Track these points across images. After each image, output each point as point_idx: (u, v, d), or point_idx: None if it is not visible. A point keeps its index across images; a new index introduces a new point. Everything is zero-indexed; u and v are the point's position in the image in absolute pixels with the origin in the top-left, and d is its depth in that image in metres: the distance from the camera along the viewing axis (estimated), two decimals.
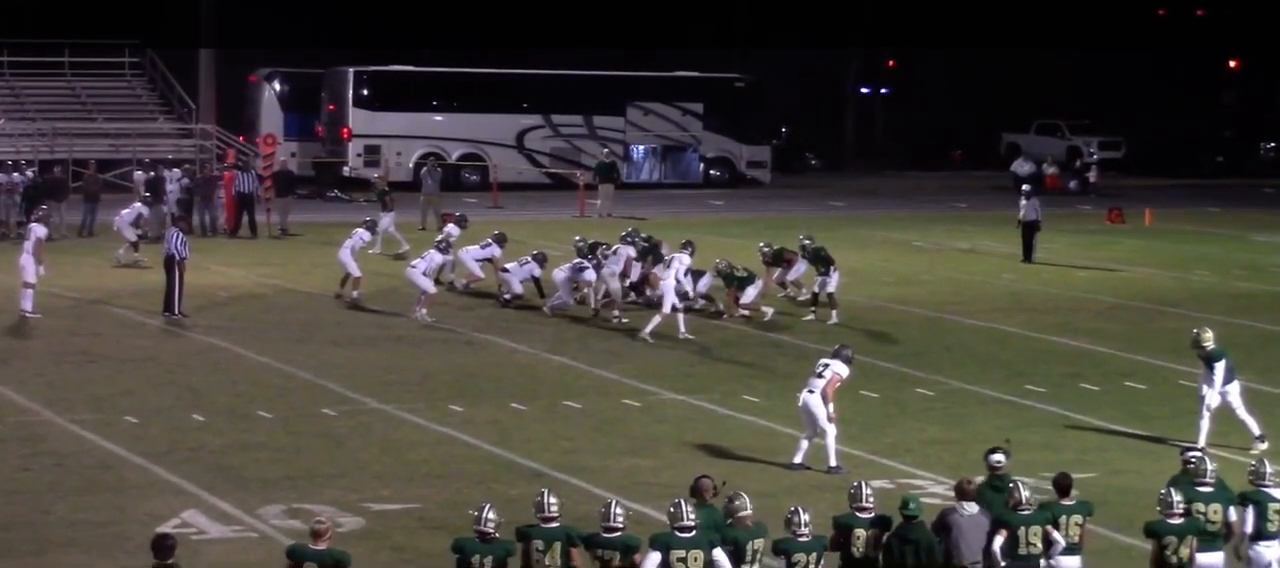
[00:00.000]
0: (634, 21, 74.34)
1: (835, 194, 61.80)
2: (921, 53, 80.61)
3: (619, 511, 14.86)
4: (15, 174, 45.63)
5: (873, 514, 15.50)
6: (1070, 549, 15.72)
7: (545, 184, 60.71)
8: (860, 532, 15.39)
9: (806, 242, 34.16)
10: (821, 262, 33.29)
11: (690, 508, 14.98)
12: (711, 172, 63.85)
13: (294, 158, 58.07)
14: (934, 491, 20.17)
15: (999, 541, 15.51)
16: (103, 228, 43.37)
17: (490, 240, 35.24)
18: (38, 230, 33.25)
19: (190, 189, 45.98)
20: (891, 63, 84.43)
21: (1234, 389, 23.00)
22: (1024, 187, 46.27)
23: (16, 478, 21.12)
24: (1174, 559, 15.40)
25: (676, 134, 63.45)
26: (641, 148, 63.17)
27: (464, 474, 21.50)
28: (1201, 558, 15.79)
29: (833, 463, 21.51)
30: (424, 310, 32.44)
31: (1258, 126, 78.88)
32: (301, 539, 15.34)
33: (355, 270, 34.43)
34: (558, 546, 14.66)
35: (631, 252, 33.71)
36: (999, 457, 16.81)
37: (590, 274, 33.31)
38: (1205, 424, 22.80)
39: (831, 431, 21.66)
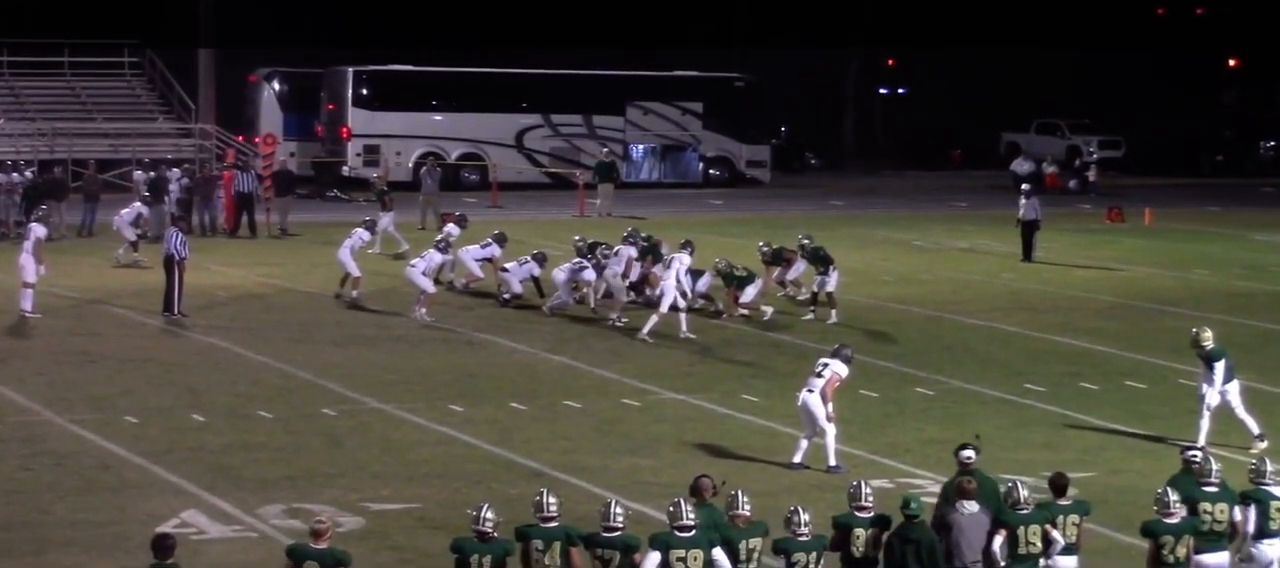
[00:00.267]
0: (633, 21, 74.33)
1: (835, 194, 61.80)
2: (921, 53, 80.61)
3: (618, 510, 14.85)
4: (15, 174, 45.65)
5: (872, 514, 15.50)
6: (1067, 549, 15.72)
7: (545, 184, 60.71)
8: (860, 531, 15.38)
9: (805, 241, 34.17)
10: (820, 261, 33.30)
11: (690, 508, 14.97)
12: (711, 171, 63.86)
13: (293, 158, 58.04)
14: (934, 490, 20.08)
15: (999, 540, 15.51)
16: (102, 228, 43.37)
17: (490, 240, 35.24)
18: (38, 230, 33.25)
19: (190, 189, 45.99)
20: (891, 62, 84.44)
21: (1234, 388, 23.01)
22: (1024, 186, 46.25)
23: (16, 478, 21.12)
24: (1171, 559, 15.40)
25: (676, 134, 63.45)
26: (641, 147, 63.17)
27: (464, 474, 21.50)
28: (1206, 558, 15.78)
29: (832, 462, 21.51)
30: (423, 310, 32.44)
31: (1257, 126, 78.85)
32: (301, 539, 15.34)
33: (355, 270, 34.42)
34: (557, 545, 14.65)
35: (633, 252, 33.73)
36: (969, 453, 16.82)
37: (590, 274, 33.31)
38: (1205, 423, 22.80)
39: (831, 430, 21.66)
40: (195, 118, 59.09)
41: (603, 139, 60.94)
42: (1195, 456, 16.73)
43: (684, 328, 30.71)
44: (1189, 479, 16.27)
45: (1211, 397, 22.85)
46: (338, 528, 18.09)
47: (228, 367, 28.16)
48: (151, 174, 46.87)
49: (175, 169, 47.94)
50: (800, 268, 34.55)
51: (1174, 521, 15.49)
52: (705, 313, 33.03)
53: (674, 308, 30.75)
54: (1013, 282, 39.15)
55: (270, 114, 61.37)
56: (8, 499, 20.13)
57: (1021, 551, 15.51)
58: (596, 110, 62.22)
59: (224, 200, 46.37)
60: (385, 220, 41.66)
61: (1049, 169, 64.14)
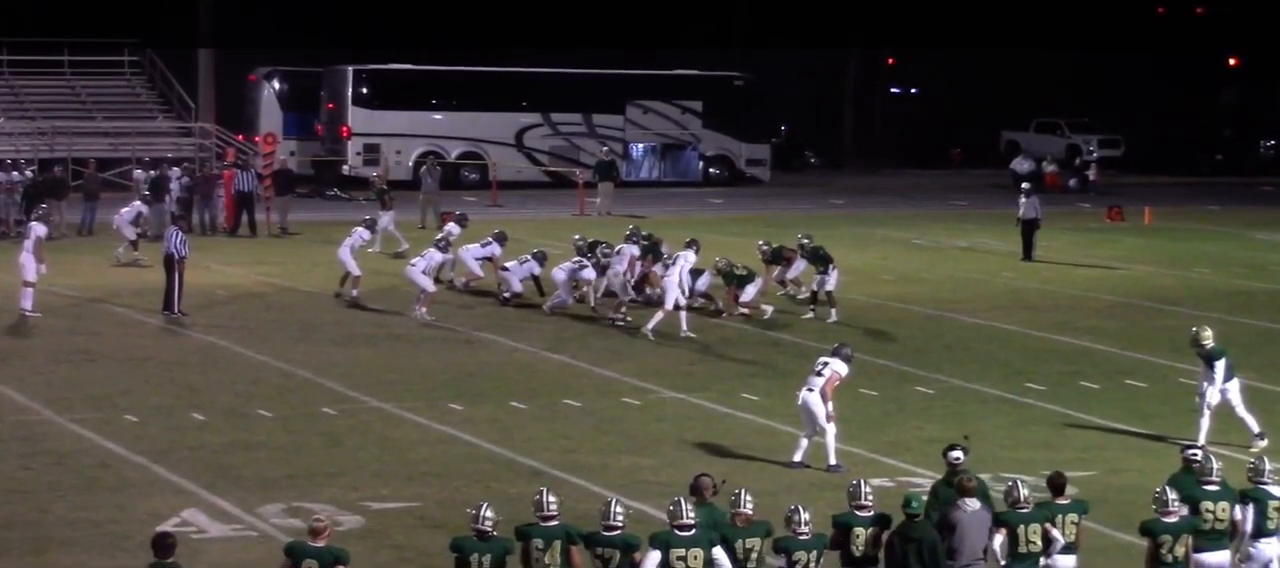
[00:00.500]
0: (633, 21, 74.32)
1: (835, 192, 61.80)
2: (921, 52, 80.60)
3: (619, 509, 14.84)
4: (15, 173, 45.66)
5: (872, 513, 15.50)
6: (1066, 549, 15.71)
7: (545, 183, 60.73)
8: (860, 530, 15.38)
9: (805, 241, 34.17)
10: (819, 260, 33.30)
11: (690, 506, 14.96)
12: (711, 170, 63.88)
13: (293, 157, 58.05)
14: None
15: (999, 539, 15.51)
16: (102, 227, 43.37)
17: (491, 239, 35.24)
18: (38, 229, 33.25)
19: (190, 188, 46.00)
20: (891, 61, 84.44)
21: (1234, 387, 23.00)
22: (1023, 185, 46.26)
23: (16, 477, 21.11)
24: (1169, 558, 15.40)
25: (676, 132, 63.46)
26: (641, 146, 63.19)
27: (463, 473, 21.50)
28: (1207, 557, 15.77)
29: (832, 461, 21.51)
30: (423, 309, 32.44)
31: (1257, 125, 78.87)
32: (301, 538, 15.33)
33: (355, 269, 34.42)
34: (557, 544, 14.64)
35: (635, 250, 33.72)
36: (957, 453, 16.82)
37: (590, 273, 33.31)
38: (1205, 422, 22.80)
39: (831, 429, 21.66)
40: (195, 117, 59.10)
41: (603, 138, 60.93)
42: (1196, 454, 16.73)
43: (684, 327, 30.71)
44: (1190, 478, 16.27)
45: (1212, 395, 22.86)
46: (337, 527, 18.12)
47: (227, 366, 28.16)
48: (153, 173, 46.89)
49: (176, 168, 47.95)
50: (800, 267, 34.56)
51: (1173, 520, 15.49)
52: (705, 312, 33.03)
53: (676, 306, 30.75)
54: (1013, 280, 39.16)
55: (270, 113, 61.39)
56: (7, 498, 20.12)
57: (1022, 549, 15.50)
58: (596, 109, 62.24)
59: (224, 199, 46.38)
60: (385, 219, 41.65)
61: (1049, 168, 64.15)
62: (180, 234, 32.98)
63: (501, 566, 14.55)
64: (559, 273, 33.38)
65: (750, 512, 15.12)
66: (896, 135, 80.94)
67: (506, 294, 34.26)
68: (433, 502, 20.11)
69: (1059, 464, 18.60)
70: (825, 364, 21.93)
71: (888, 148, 79.57)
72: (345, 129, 59.74)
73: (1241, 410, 23.02)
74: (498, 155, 60.39)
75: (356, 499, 20.11)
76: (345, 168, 59.51)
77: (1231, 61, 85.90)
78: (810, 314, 32.99)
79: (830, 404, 21.66)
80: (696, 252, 32.29)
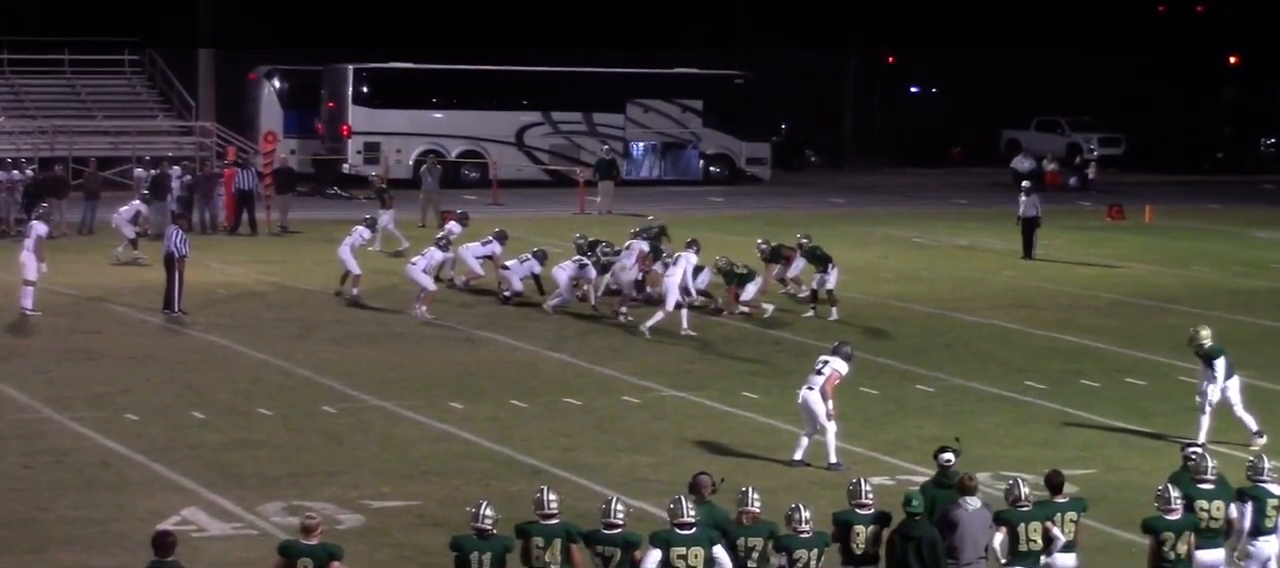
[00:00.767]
0: (633, 20, 74.31)
1: (835, 191, 61.76)
2: (921, 51, 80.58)
3: (619, 507, 14.85)
4: (15, 172, 45.65)
5: (873, 511, 15.50)
6: (1066, 547, 15.72)
7: (545, 181, 60.71)
8: (860, 529, 15.39)
9: (804, 240, 34.17)
10: (819, 260, 33.31)
11: (690, 505, 14.97)
12: (711, 168, 63.85)
13: (294, 155, 57.99)
14: None
15: (999, 538, 15.52)
16: (102, 225, 43.36)
17: (491, 238, 35.24)
18: (38, 228, 33.26)
19: (191, 186, 46.00)
20: (891, 59, 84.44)
21: (1234, 386, 23.01)
22: (1024, 183, 46.29)
23: (16, 475, 21.12)
24: (1171, 555, 15.41)
25: (676, 131, 63.44)
26: (641, 145, 63.17)
27: (464, 471, 21.50)
28: (1203, 556, 15.79)
29: (833, 460, 21.52)
30: (423, 308, 32.45)
31: (1257, 123, 78.85)
32: (295, 536, 15.30)
33: (355, 268, 34.42)
34: (557, 543, 14.65)
35: (644, 246, 33.62)
36: (948, 456, 16.82)
37: (591, 271, 33.32)
38: (1206, 421, 22.81)
39: (831, 427, 21.67)
40: (195, 116, 59.10)
41: (603, 137, 60.91)
42: (1193, 453, 16.74)
43: (685, 325, 30.72)
44: (1187, 476, 16.28)
45: (1213, 393, 22.86)
46: (338, 526, 18.14)
47: (228, 364, 28.16)
48: (153, 172, 46.88)
49: (176, 167, 47.95)
50: (800, 266, 34.55)
51: (1175, 517, 15.49)
52: (705, 311, 33.03)
53: (676, 305, 30.75)
54: (1013, 279, 39.16)
55: (270, 112, 61.37)
56: (8, 497, 20.13)
57: (1022, 548, 15.51)
58: (597, 108, 62.22)
59: (224, 198, 46.38)
60: (385, 218, 41.64)
61: (1049, 166, 64.15)
62: (180, 233, 32.97)
63: (501, 564, 14.56)
64: (560, 273, 33.38)
65: (757, 510, 15.13)
66: (897, 134, 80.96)
67: (507, 293, 34.26)
68: (433, 500, 20.12)
69: (1059, 462, 18.59)
70: (825, 362, 21.93)
71: (888, 147, 79.58)
72: (345, 128, 59.72)
73: (1240, 410, 23.03)
74: (498, 154, 60.37)
75: (357, 498, 20.12)
76: (345, 166, 59.48)
77: (1232, 60, 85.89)
78: (810, 313, 33.01)
79: (830, 403, 21.67)
80: (697, 251, 32.29)
